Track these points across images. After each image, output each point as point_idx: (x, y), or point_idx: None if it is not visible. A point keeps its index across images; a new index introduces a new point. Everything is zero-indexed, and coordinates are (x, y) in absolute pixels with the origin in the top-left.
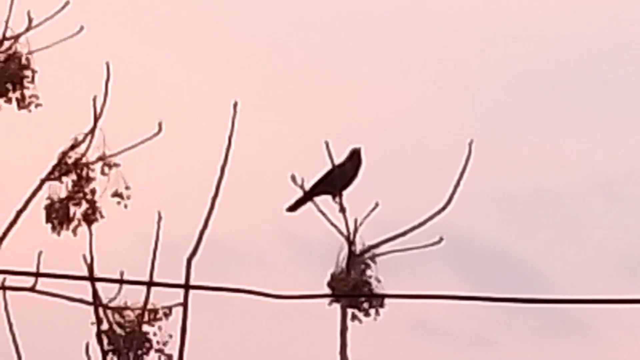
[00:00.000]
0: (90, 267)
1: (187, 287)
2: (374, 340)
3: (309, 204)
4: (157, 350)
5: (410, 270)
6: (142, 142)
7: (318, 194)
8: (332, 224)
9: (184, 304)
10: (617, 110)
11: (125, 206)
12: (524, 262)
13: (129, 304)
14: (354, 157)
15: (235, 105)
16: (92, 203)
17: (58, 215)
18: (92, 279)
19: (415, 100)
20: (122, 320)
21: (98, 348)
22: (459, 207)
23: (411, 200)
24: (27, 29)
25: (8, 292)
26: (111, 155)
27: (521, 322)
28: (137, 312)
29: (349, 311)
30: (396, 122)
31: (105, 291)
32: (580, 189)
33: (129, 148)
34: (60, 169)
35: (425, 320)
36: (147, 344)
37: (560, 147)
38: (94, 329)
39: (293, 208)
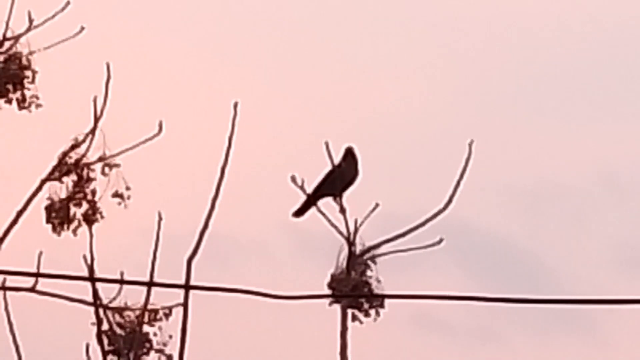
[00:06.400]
0: (91, 268)
1: (187, 287)
2: (376, 334)
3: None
4: (157, 351)
5: (413, 266)
6: (142, 142)
7: (321, 197)
8: (333, 224)
9: (184, 304)
10: (620, 101)
11: (126, 206)
12: (528, 254)
13: (129, 304)
14: (349, 156)
15: (235, 105)
16: (92, 203)
17: (58, 216)
18: (92, 279)
19: (417, 96)
20: (122, 321)
21: (98, 348)
22: (462, 200)
23: (414, 198)
24: (28, 30)
25: (8, 292)
26: (111, 156)
27: (525, 317)
28: (138, 312)
29: (349, 312)
30: (397, 121)
31: (106, 291)
32: (583, 180)
33: (129, 148)
34: (60, 170)
35: (427, 315)
36: (148, 344)
37: (564, 138)
38: (95, 329)
39: (299, 213)
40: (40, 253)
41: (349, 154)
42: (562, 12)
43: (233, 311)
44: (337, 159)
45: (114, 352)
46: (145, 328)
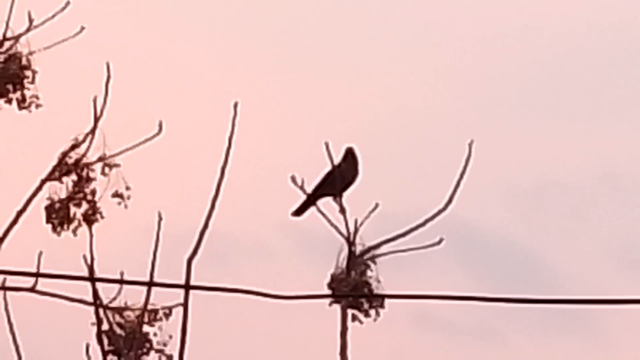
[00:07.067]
0: (91, 267)
1: (187, 287)
2: (376, 334)
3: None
4: (158, 351)
5: (413, 266)
6: (142, 142)
7: (321, 197)
8: (333, 224)
9: (184, 304)
10: (621, 101)
11: (126, 206)
12: (528, 254)
13: (129, 304)
14: (349, 157)
15: (235, 105)
16: (92, 203)
17: (58, 216)
18: (92, 279)
19: (417, 96)
20: (122, 321)
21: (98, 348)
22: (462, 200)
23: (414, 198)
24: (28, 30)
25: (8, 292)
26: (111, 156)
27: (525, 317)
28: (138, 312)
29: (349, 312)
30: (397, 121)
31: (106, 291)
32: (584, 180)
33: (129, 148)
34: (60, 170)
35: (428, 315)
36: (148, 345)
37: (565, 138)
38: (95, 329)
39: (298, 212)
40: (40, 253)
41: (349, 154)
42: (562, 13)
43: (233, 311)
44: (337, 159)
45: (114, 352)
46: (145, 328)
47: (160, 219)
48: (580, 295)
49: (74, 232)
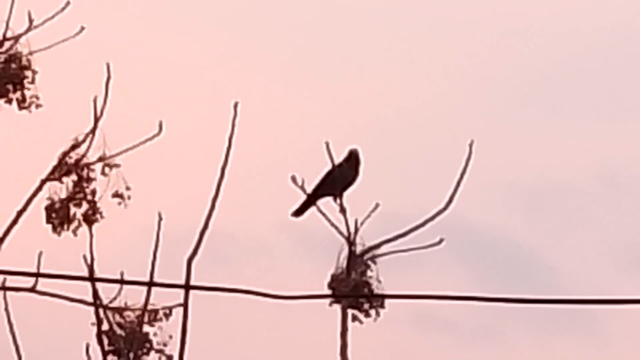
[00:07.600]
0: (91, 268)
1: (187, 287)
2: (376, 334)
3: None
4: (158, 351)
5: (414, 266)
6: (142, 142)
7: (320, 197)
8: (333, 224)
9: (184, 305)
10: (620, 100)
11: (126, 206)
12: (529, 254)
13: (129, 304)
14: (352, 158)
15: (235, 105)
16: (92, 203)
17: (58, 216)
18: (92, 279)
19: (418, 96)
20: (122, 321)
21: (98, 348)
22: (463, 200)
23: (414, 198)
24: (28, 30)
25: (8, 293)
26: (111, 156)
27: (525, 317)
28: (138, 312)
29: (350, 312)
30: (398, 121)
31: (106, 291)
32: (584, 179)
33: (130, 148)
34: (60, 170)
35: (428, 315)
36: (148, 345)
37: (565, 138)
38: (95, 329)
39: (298, 213)
40: (40, 253)
41: (352, 155)
42: (563, 13)
43: (233, 311)
44: (337, 160)
45: (114, 352)
46: (145, 328)
47: (160, 219)
48: (580, 295)
49: (74, 232)
